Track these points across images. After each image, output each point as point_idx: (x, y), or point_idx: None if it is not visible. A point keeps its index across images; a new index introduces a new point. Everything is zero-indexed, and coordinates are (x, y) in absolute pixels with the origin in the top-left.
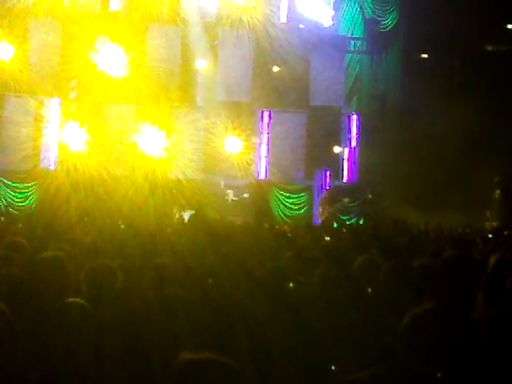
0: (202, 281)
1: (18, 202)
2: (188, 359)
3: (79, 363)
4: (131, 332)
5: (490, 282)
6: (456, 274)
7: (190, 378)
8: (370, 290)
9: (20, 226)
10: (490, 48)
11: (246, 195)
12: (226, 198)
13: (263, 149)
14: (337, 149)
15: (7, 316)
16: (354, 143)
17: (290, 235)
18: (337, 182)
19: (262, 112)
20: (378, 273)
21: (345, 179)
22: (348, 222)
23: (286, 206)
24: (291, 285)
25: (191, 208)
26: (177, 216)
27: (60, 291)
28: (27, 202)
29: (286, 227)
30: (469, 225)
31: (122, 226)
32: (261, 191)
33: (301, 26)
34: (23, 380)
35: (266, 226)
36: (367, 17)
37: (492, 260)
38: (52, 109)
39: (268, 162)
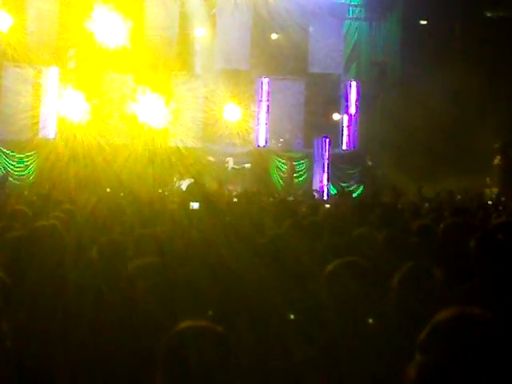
0: (202, 250)
1: (18, 171)
2: (178, 329)
3: (78, 331)
4: (130, 299)
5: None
6: (456, 241)
7: (180, 346)
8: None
9: (25, 192)
10: (489, 14)
11: (247, 165)
12: (226, 165)
13: (262, 116)
14: (336, 116)
15: (6, 284)
16: (353, 110)
17: (289, 203)
18: (336, 150)
19: (261, 80)
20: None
21: (344, 146)
22: (347, 189)
23: (285, 173)
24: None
25: (190, 176)
26: (176, 184)
27: (58, 260)
28: (26, 171)
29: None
30: (466, 191)
31: (122, 194)
32: (260, 159)
33: None
34: (22, 348)
35: (264, 193)
36: None
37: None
38: (50, 78)
39: (267, 130)
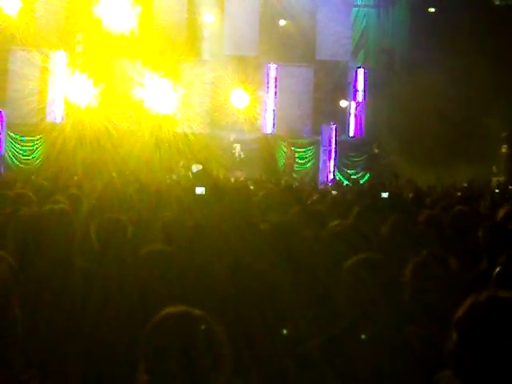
0: (209, 235)
1: (24, 155)
2: (156, 318)
3: (86, 318)
4: (137, 287)
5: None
6: (464, 228)
7: (157, 334)
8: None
9: (33, 177)
10: (497, 2)
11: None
12: (234, 151)
13: (270, 103)
14: (343, 103)
15: (13, 269)
16: (360, 97)
17: (296, 190)
18: (343, 137)
19: (269, 66)
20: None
21: (351, 133)
22: (354, 176)
23: (288, 159)
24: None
25: (198, 162)
26: (182, 170)
27: (66, 245)
28: (33, 155)
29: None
30: (473, 180)
31: (128, 178)
32: (267, 145)
33: None
34: (31, 335)
35: (273, 180)
36: None
37: (501, 213)
38: (58, 62)
39: (275, 117)
